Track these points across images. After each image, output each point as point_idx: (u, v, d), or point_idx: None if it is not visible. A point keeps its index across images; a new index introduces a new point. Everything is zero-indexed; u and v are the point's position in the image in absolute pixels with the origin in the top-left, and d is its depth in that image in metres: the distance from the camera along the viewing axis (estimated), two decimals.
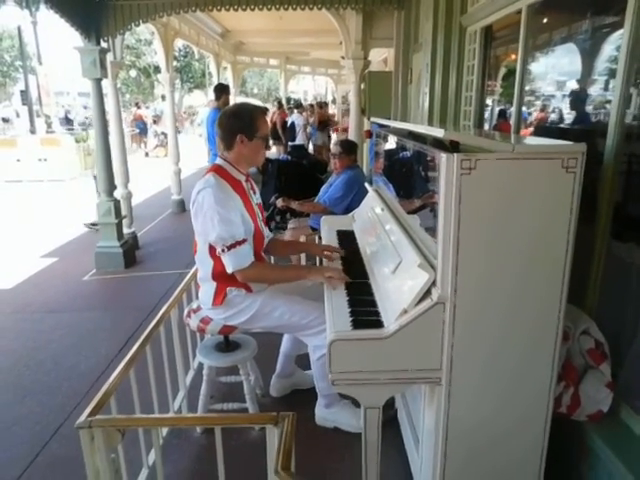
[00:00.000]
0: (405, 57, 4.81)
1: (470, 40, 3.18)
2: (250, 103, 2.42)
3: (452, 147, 1.40)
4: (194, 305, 2.46)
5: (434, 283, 1.55)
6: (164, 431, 2.23)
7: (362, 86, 5.91)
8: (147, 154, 15.93)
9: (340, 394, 2.39)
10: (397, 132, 2.41)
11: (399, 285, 1.75)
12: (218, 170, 2.21)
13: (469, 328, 1.54)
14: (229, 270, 2.15)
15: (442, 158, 1.41)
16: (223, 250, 2.11)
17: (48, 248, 5.93)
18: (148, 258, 5.50)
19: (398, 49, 4.96)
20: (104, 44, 4.70)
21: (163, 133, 14.52)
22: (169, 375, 2.39)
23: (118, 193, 5.31)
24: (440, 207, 1.45)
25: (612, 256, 1.92)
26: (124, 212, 5.39)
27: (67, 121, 19.01)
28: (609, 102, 1.91)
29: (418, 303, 1.56)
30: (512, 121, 2.60)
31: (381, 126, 2.78)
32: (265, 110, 2.36)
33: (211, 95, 6.24)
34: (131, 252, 5.29)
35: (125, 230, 5.37)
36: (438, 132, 1.44)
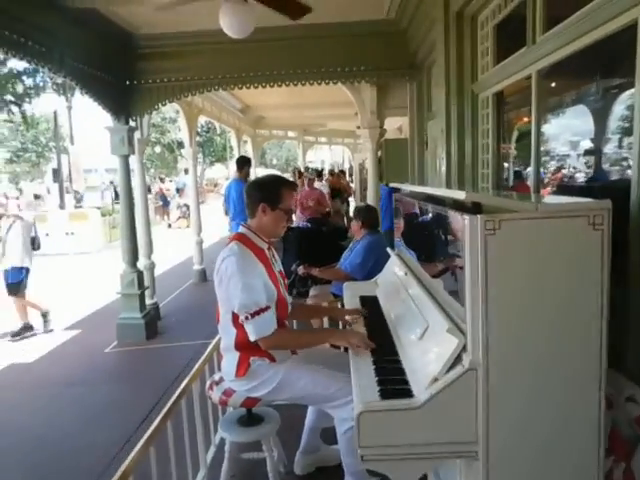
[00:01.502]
0: (420, 124, 4.95)
1: (483, 105, 3.26)
2: (279, 175, 2.48)
3: (474, 209, 1.39)
4: (216, 377, 2.40)
5: (464, 348, 1.49)
6: None
7: (379, 154, 6.07)
8: (170, 225, 16.34)
9: (369, 471, 2.25)
10: (416, 196, 2.43)
11: (427, 351, 1.68)
12: (241, 238, 2.23)
13: (503, 395, 1.46)
14: (252, 338, 2.11)
15: (465, 220, 1.40)
16: (247, 318, 2.08)
17: (72, 320, 5.98)
18: (170, 329, 5.48)
19: (412, 117, 5.12)
20: (132, 123, 4.97)
21: (185, 205, 14.95)
22: (189, 452, 2.29)
23: (141, 264, 5.39)
24: (466, 269, 1.42)
25: None
26: (147, 283, 5.44)
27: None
28: (625, 159, 1.90)
29: (449, 370, 1.49)
30: (531, 181, 2.60)
31: (397, 190, 2.81)
32: (293, 185, 2.39)
33: (231, 168, 6.47)
34: (153, 323, 5.29)
35: (147, 301, 5.40)
36: (459, 194, 1.45)
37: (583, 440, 1.50)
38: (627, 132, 2.40)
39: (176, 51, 4.78)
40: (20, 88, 17.11)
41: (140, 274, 5.18)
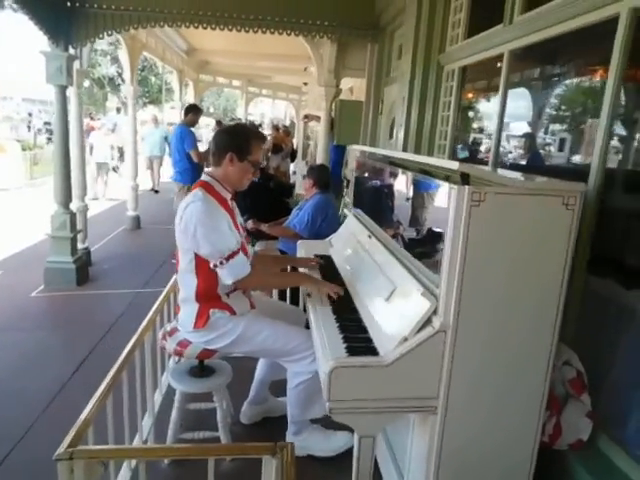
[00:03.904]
0: (377, 89, 4.93)
1: (447, 77, 3.31)
2: (249, 126, 2.41)
3: (462, 179, 1.43)
4: (168, 327, 2.35)
5: (435, 311, 1.56)
6: (132, 462, 2.08)
7: (332, 114, 6.01)
8: None
9: (312, 420, 2.35)
10: (382, 159, 2.45)
11: (395, 312, 1.75)
12: (205, 186, 2.16)
13: (466, 356, 1.57)
14: (229, 281, 2.09)
15: (453, 190, 1.44)
16: (221, 262, 2.05)
17: None
18: (102, 276, 5.23)
19: (370, 80, 5.09)
20: (72, 51, 4.53)
21: (119, 147, 13.84)
22: (140, 401, 2.26)
23: (74, 206, 5.05)
24: (447, 237, 1.48)
25: (589, 291, 2.01)
26: (79, 226, 5.12)
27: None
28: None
29: (419, 331, 1.56)
30: (490, 157, 2.70)
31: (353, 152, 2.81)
32: (264, 137, 2.35)
33: (166, 112, 6.12)
34: (84, 269, 5.02)
35: (79, 245, 5.10)
36: (452, 165, 1.48)
37: (530, 399, 1.68)
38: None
39: None
40: None
41: (73, 216, 4.85)
